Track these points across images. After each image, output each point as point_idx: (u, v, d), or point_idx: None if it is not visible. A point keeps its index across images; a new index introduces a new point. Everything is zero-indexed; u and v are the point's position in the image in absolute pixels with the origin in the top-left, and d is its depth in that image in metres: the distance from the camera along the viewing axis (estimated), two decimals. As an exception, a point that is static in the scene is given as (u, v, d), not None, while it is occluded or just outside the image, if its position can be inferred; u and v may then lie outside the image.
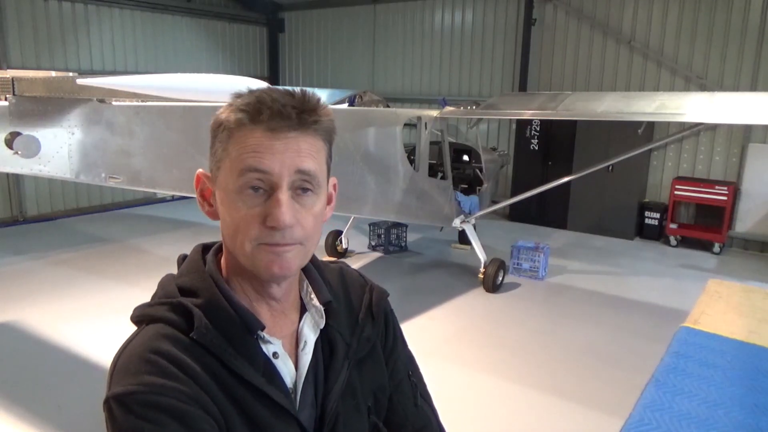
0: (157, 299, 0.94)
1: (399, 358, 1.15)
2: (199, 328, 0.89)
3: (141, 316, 0.93)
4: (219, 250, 1.00)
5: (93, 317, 5.34)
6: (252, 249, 0.88)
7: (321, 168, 0.92)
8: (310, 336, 1.00)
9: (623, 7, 8.82)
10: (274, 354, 0.95)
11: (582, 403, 4.15)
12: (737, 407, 1.88)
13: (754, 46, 7.85)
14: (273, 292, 0.96)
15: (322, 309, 1.02)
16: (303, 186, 0.89)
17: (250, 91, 0.91)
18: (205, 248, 1.01)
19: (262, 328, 0.93)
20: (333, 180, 1.01)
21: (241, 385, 0.89)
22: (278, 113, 0.86)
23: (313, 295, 1.03)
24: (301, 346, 0.99)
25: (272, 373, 0.93)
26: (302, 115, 0.88)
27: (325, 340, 1.02)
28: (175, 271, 1.01)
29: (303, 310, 1.03)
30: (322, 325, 1.02)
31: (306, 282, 1.04)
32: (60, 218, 9.24)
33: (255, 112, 0.87)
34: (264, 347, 0.94)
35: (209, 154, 0.93)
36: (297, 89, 0.92)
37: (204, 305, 0.91)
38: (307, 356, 0.99)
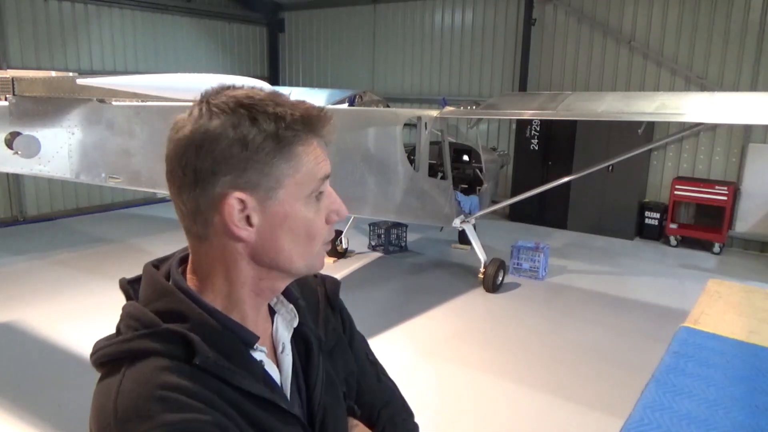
0: (136, 332, 0.85)
1: (355, 340, 1.18)
2: (202, 353, 0.83)
3: (118, 354, 0.84)
4: (179, 263, 0.96)
5: (93, 317, 5.34)
6: (319, 249, 0.94)
7: None
8: (285, 337, 1.00)
9: (623, 7, 8.82)
10: (261, 362, 0.94)
11: (582, 403, 4.15)
12: (737, 407, 1.88)
13: (754, 46, 7.85)
14: (281, 286, 0.98)
15: (293, 308, 1.02)
16: None
17: (272, 102, 0.86)
18: (156, 266, 0.96)
19: (258, 340, 0.92)
20: None
21: (248, 400, 0.87)
22: (328, 123, 0.91)
23: (281, 296, 1.03)
24: (280, 349, 0.99)
25: (270, 381, 0.93)
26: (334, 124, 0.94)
27: (298, 338, 1.02)
28: None
29: (271, 313, 1.02)
30: (295, 324, 1.01)
31: None
32: (60, 218, 9.25)
33: (309, 122, 0.88)
34: (255, 355, 0.94)
35: (248, 172, 0.84)
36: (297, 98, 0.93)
37: (196, 328, 0.85)
38: (288, 358, 0.99)
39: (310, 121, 0.87)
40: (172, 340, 0.83)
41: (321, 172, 0.90)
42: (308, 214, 0.89)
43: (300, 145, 0.86)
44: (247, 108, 0.83)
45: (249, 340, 0.91)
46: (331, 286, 1.14)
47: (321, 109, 0.90)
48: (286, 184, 0.86)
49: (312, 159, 0.88)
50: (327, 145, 0.92)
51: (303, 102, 0.89)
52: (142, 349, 0.83)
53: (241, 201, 0.84)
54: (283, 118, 0.84)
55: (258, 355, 0.93)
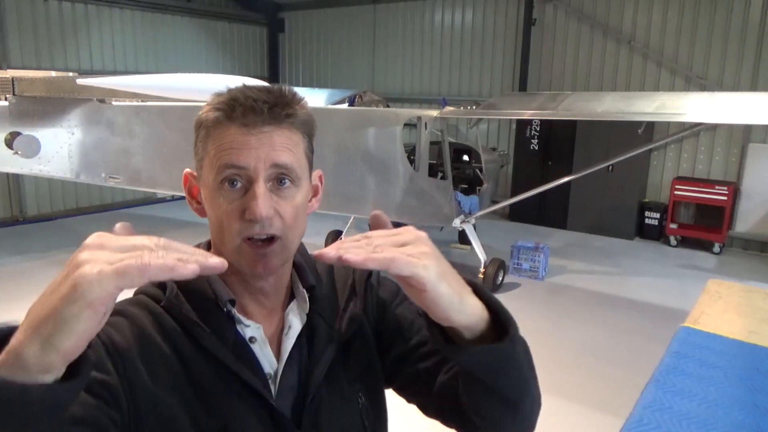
0: None
1: (399, 305, 1.12)
2: (169, 297, 0.94)
3: (135, 291, 0.97)
4: (207, 246, 1.01)
5: (93, 317, 5.34)
6: (237, 245, 0.90)
7: (299, 160, 0.93)
8: (295, 321, 1.00)
9: (623, 7, 8.82)
10: (251, 339, 0.95)
11: (582, 403, 4.15)
12: (737, 407, 1.88)
13: (754, 46, 7.85)
14: (262, 287, 0.97)
15: (305, 293, 1.02)
16: (280, 178, 0.90)
17: (228, 90, 0.93)
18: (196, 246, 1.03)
19: (232, 302, 0.95)
20: (318, 172, 1.03)
21: (207, 361, 0.90)
22: (251, 109, 0.88)
23: (298, 281, 1.03)
24: (285, 330, 0.99)
25: (244, 354, 0.93)
26: (274, 109, 0.90)
27: (308, 325, 1.02)
28: None
29: (292, 298, 1.03)
30: (307, 310, 1.01)
31: (293, 270, 1.04)
32: (60, 218, 9.24)
33: (229, 109, 0.89)
34: (240, 329, 0.95)
35: (194, 153, 0.96)
36: (275, 86, 0.94)
37: (184, 281, 0.89)
38: (290, 340, 0.98)
39: (229, 105, 0.89)
40: (157, 284, 0.95)
41: (222, 160, 0.88)
42: (217, 200, 0.90)
43: (214, 129, 0.91)
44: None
45: (220, 295, 0.94)
46: (358, 275, 1.11)
47: (249, 95, 0.89)
48: (204, 165, 0.93)
49: (218, 145, 0.90)
50: (262, 134, 0.88)
51: (249, 88, 0.92)
52: (139, 290, 0.97)
53: (190, 176, 0.99)
54: (210, 103, 0.92)
55: (245, 331, 0.95)
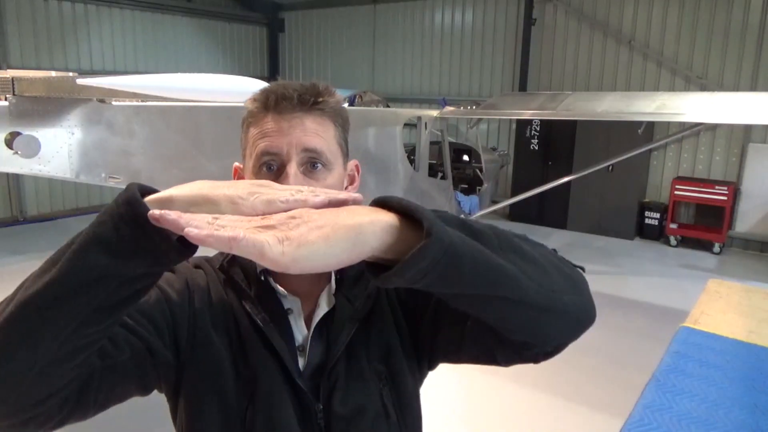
0: None
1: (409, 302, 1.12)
2: (223, 261, 1.07)
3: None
4: None
5: (93, 317, 5.34)
6: None
7: (330, 146, 0.98)
8: (323, 301, 1.04)
9: (623, 7, 8.81)
10: (288, 309, 1.02)
11: (582, 403, 4.15)
12: (737, 407, 1.89)
13: (754, 46, 7.85)
14: None
15: (332, 274, 1.06)
16: (312, 162, 0.96)
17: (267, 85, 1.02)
18: None
19: (273, 275, 1.02)
20: (354, 162, 1.09)
21: (247, 318, 1.01)
22: (282, 96, 0.95)
23: None
24: (317, 310, 1.04)
25: (278, 323, 1.01)
26: (303, 96, 0.96)
27: (334, 305, 1.06)
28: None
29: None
30: (333, 290, 1.06)
31: None
32: (60, 218, 9.24)
33: (265, 99, 0.97)
34: (282, 301, 1.03)
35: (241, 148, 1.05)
36: (310, 81, 1.01)
37: None
38: (316, 318, 1.03)
39: (265, 96, 0.97)
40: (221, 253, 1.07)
41: (258, 148, 0.95)
42: None
43: (253, 120, 0.99)
44: None
45: (258, 266, 1.02)
46: None
47: (282, 86, 0.97)
48: (246, 154, 1.00)
49: (256, 133, 0.97)
50: (293, 119, 0.95)
51: (285, 82, 0.99)
52: (204, 257, 1.09)
53: (239, 168, 1.05)
54: (251, 98, 1.00)
55: (285, 301, 1.02)
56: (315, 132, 0.95)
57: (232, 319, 1.01)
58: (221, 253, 1.07)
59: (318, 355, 1.02)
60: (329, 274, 1.06)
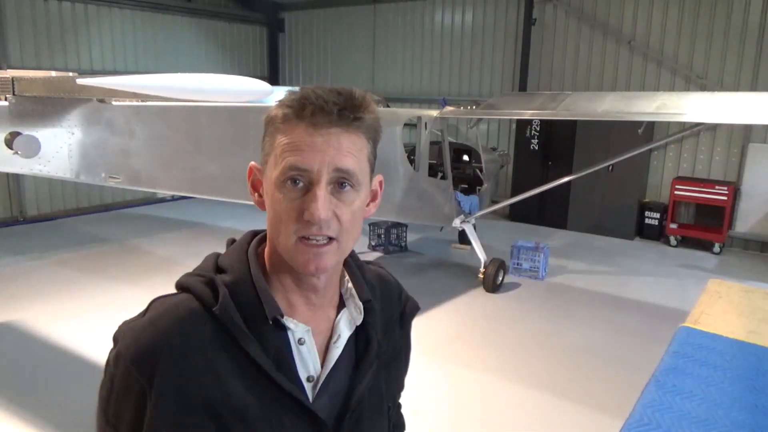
0: (196, 271, 1.00)
1: (406, 368, 1.22)
2: (222, 304, 0.93)
3: (180, 284, 0.99)
4: (264, 239, 1.02)
5: (93, 317, 5.34)
6: (292, 243, 0.91)
7: (362, 166, 0.93)
8: (344, 331, 1.02)
9: (623, 7, 8.82)
10: (300, 340, 0.96)
11: (582, 403, 4.15)
12: (737, 407, 1.88)
13: (754, 46, 7.85)
14: (314, 283, 0.98)
15: (362, 306, 1.04)
16: (341, 182, 0.91)
17: (300, 89, 0.94)
18: (255, 234, 1.05)
19: (281, 314, 0.95)
20: (379, 177, 1.03)
21: (254, 366, 0.92)
22: (321, 109, 0.89)
23: (353, 292, 1.05)
24: (335, 339, 1.01)
25: (283, 362, 0.95)
26: (343, 111, 0.90)
27: (361, 336, 1.04)
28: (176, 269, 1.08)
29: (341, 306, 1.05)
30: (359, 321, 1.04)
31: (347, 278, 1.06)
32: (60, 218, 9.24)
33: (299, 107, 0.90)
34: (289, 334, 0.96)
35: (261, 148, 0.98)
36: (346, 88, 0.94)
37: (230, 283, 0.95)
38: (338, 350, 1.00)
39: (300, 104, 0.90)
40: (208, 285, 0.96)
41: (287, 161, 0.89)
42: (279, 195, 0.91)
43: (283, 126, 0.91)
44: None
45: (269, 308, 0.95)
46: (410, 308, 1.19)
47: (320, 95, 0.90)
48: (269, 160, 0.94)
49: (285, 143, 0.90)
50: (329, 135, 0.89)
51: (321, 88, 0.92)
52: (186, 286, 0.97)
53: (255, 169, 1.00)
54: (281, 101, 0.93)
55: (294, 333, 0.96)
56: (349, 151, 0.91)
57: (216, 382, 0.90)
58: (207, 287, 0.96)
59: (336, 386, 1.00)
60: (339, 290, 1.05)
